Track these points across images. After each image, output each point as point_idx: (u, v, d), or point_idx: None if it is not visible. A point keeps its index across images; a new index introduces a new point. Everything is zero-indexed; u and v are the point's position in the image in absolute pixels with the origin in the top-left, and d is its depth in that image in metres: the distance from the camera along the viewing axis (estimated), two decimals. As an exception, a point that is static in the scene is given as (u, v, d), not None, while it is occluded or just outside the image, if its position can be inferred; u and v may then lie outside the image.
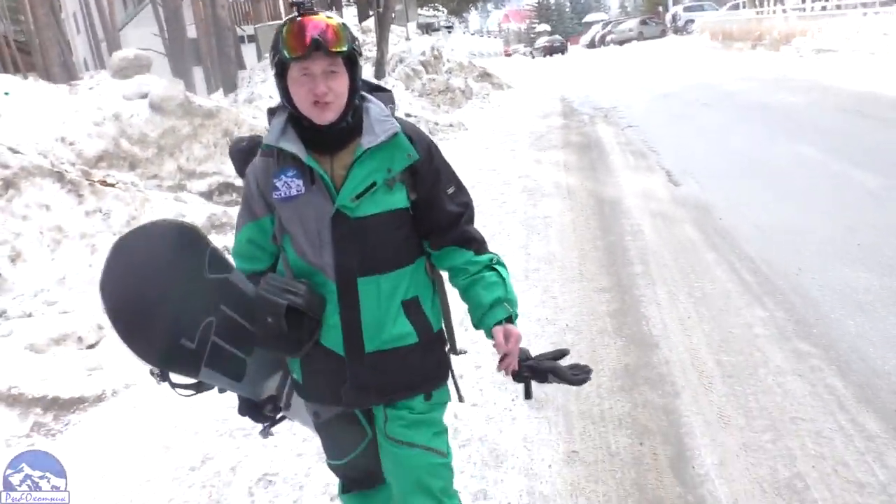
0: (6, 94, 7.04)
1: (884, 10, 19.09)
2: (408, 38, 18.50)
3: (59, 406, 3.69)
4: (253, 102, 10.14)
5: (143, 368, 1.73)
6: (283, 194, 1.74)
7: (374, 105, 1.80)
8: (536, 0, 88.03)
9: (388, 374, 1.81)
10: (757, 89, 13.87)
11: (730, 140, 9.18)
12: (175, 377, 1.74)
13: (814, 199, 6.04)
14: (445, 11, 46.76)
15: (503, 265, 1.89)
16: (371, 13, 24.45)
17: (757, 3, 32.87)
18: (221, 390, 1.89)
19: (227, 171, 8.31)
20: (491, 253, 1.89)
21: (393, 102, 1.87)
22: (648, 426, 3.03)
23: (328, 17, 1.67)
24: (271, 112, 1.85)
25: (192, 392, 1.77)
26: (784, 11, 27.18)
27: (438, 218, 1.83)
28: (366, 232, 1.74)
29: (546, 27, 69.35)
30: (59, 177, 5.64)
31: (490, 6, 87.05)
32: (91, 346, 4.47)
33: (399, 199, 1.77)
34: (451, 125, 12.62)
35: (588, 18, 76.26)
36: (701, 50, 28.25)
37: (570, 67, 28.87)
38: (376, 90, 1.89)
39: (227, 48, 11.71)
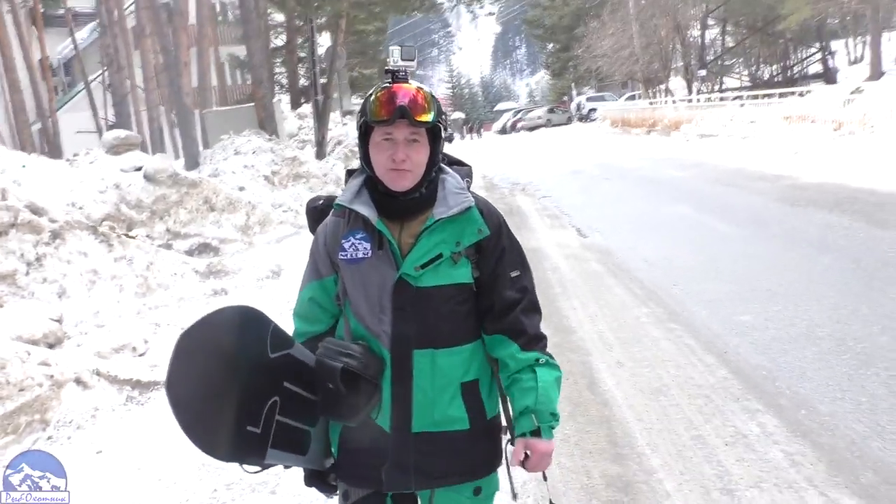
0: (24, 166, 8.22)
1: (750, 103, 22.31)
2: (345, 124, 20.27)
3: (142, 386, 4.93)
4: (218, 176, 11.52)
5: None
6: (349, 255, 1.74)
7: (451, 178, 1.80)
8: (451, 90, 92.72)
9: (433, 458, 1.74)
10: (650, 166, 16.25)
11: (626, 204, 11.19)
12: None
13: (686, 241, 7.94)
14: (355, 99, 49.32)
15: (551, 366, 1.78)
16: (303, 101, 26.38)
17: (650, 94, 36.76)
18: (287, 466, 1.84)
19: (207, 233, 9.66)
20: (538, 351, 1.77)
21: (470, 177, 1.87)
22: (573, 370, 4.56)
23: (418, 87, 1.69)
24: (349, 173, 1.87)
25: (258, 469, 1.71)
26: (674, 102, 30.77)
27: (495, 300, 1.77)
28: (427, 303, 1.71)
29: (460, 114, 73.12)
30: (94, 230, 6.90)
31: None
32: (141, 355, 5.69)
33: (463, 273, 1.74)
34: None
35: (499, 107, 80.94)
36: (603, 135, 31.32)
37: (487, 150, 31.36)
38: (455, 164, 1.90)
39: (192, 130, 13.12)
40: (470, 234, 1.73)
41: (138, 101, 23.90)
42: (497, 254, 1.76)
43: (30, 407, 4.23)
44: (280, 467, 1.82)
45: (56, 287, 6.36)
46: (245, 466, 1.69)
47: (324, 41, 26.41)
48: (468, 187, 1.80)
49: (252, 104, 17.28)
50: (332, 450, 1.83)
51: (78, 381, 4.59)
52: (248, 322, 1.70)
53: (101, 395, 4.67)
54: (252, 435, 1.63)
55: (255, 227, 10.40)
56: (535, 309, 1.81)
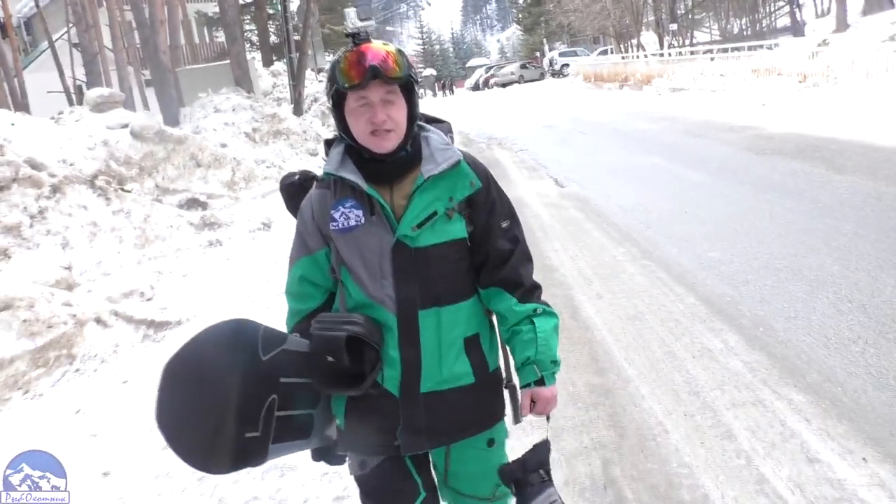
0: (12, 124, 8.36)
1: (720, 56, 22.71)
2: (320, 80, 20.30)
3: (156, 325, 5.28)
4: (200, 134, 11.68)
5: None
6: (340, 225, 1.71)
7: (434, 134, 1.79)
8: (422, 47, 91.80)
9: (442, 416, 1.76)
10: (622, 120, 16.65)
11: (601, 156, 11.60)
12: None
13: (659, 189, 8.38)
14: (329, 56, 48.92)
15: (548, 315, 1.81)
16: (274, 58, 26.23)
17: (622, 49, 37.00)
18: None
19: (194, 188, 9.89)
20: (535, 302, 1.80)
21: (451, 132, 1.86)
22: (556, 303, 4.97)
23: (385, 45, 1.67)
24: (328, 143, 1.83)
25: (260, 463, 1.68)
26: (646, 57, 31.07)
27: (489, 252, 1.77)
28: (427, 262, 1.70)
29: (432, 71, 72.73)
30: (91, 184, 7.14)
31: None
32: (149, 300, 6.02)
33: (458, 228, 1.73)
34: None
35: (471, 63, 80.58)
36: (576, 90, 31.59)
37: (461, 107, 31.49)
38: (433, 121, 1.88)
39: (169, 88, 13.18)
40: (462, 188, 1.73)
41: (106, 60, 23.60)
42: (488, 206, 1.77)
43: (57, 343, 4.56)
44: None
45: (59, 238, 6.62)
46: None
47: (293, -2, 26.17)
48: (452, 142, 1.80)
49: (226, 62, 17.31)
50: (338, 423, 1.81)
51: (98, 321, 4.93)
52: (236, 333, 1.65)
53: (119, 333, 5.02)
54: (252, 439, 1.60)
55: (240, 183, 10.65)
56: (527, 258, 1.83)
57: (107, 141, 8.92)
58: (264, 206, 9.59)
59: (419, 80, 1.78)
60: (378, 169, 1.71)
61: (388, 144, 1.67)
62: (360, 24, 1.63)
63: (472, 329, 1.78)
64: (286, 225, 8.59)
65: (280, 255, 7.19)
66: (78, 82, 23.00)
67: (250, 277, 6.74)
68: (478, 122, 21.13)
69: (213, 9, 30.55)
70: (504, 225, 1.79)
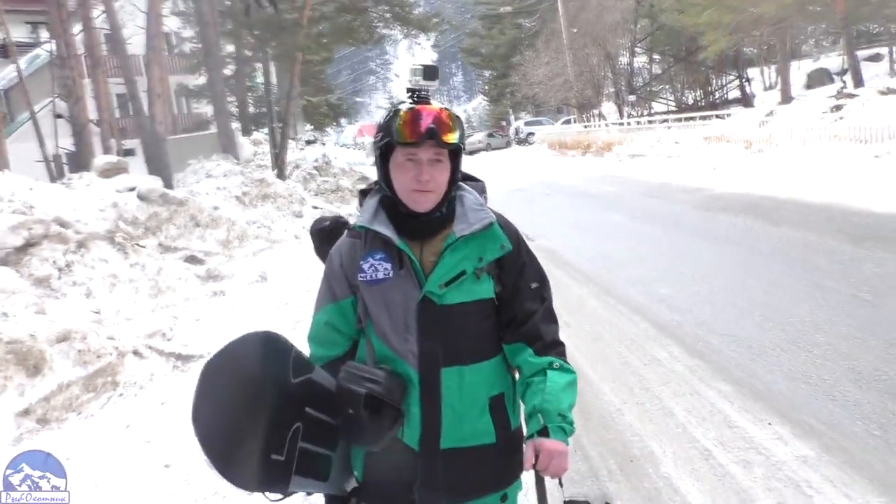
0: (31, 189, 9.13)
1: (675, 125, 24.37)
2: (301, 149, 21.37)
3: (183, 358, 6.01)
4: (196, 197, 12.52)
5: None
6: (369, 277, 1.72)
7: (469, 194, 1.80)
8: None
9: (461, 474, 1.74)
10: (586, 183, 17.89)
11: (566, 214, 12.69)
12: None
13: (619, 241, 9.40)
14: (311, 127, 50.42)
15: (564, 371, 1.77)
16: (253, 128, 27.38)
17: (585, 119, 38.95)
18: (309, 493, 1.85)
19: (193, 246, 10.68)
20: (553, 356, 1.77)
21: (485, 192, 1.87)
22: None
23: (442, 108, 1.68)
24: (363, 193, 1.84)
25: (280, 497, 1.66)
26: (606, 126, 32.87)
27: (516, 312, 1.78)
28: (452, 320, 1.70)
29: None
30: (111, 240, 7.93)
31: (344, 122, 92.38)
32: (169, 340, 6.75)
33: (486, 289, 1.74)
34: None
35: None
36: (542, 157, 33.12)
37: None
38: (468, 179, 1.88)
39: (165, 156, 14.08)
40: (493, 250, 1.73)
41: (90, 131, 24.51)
42: (518, 268, 1.78)
43: (104, 371, 5.29)
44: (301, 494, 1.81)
45: (84, 289, 7.37)
46: (268, 494, 1.63)
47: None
48: (486, 202, 1.82)
49: (209, 132, 18.33)
50: (356, 474, 1.82)
51: (135, 353, 5.67)
52: (270, 348, 1.67)
53: (153, 364, 5.75)
54: (276, 463, 1.60)
55: (234, 242, 11.46)
56: (552, 317, 1.82)
57: (116, 203, 9.71)
58: (257, 263, 10.41)
59: (465, 147, 1.78)
60: (411, 224, 1.72)
61: (427, 204, 1.70)
62: (423, 83, 1.76)
63: (497, 389, 1.78)
64: (281, 278, 9.43)
65: (279, 302, 8.01)
66: (62, 151, 23.82)
67: (256, 321, 7.49)
68: (450, 187, 22.25)
69: (193, 81, 31.81)
70: (533, 286, 1.80)
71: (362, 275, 1.73)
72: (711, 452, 3.48)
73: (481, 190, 1.86)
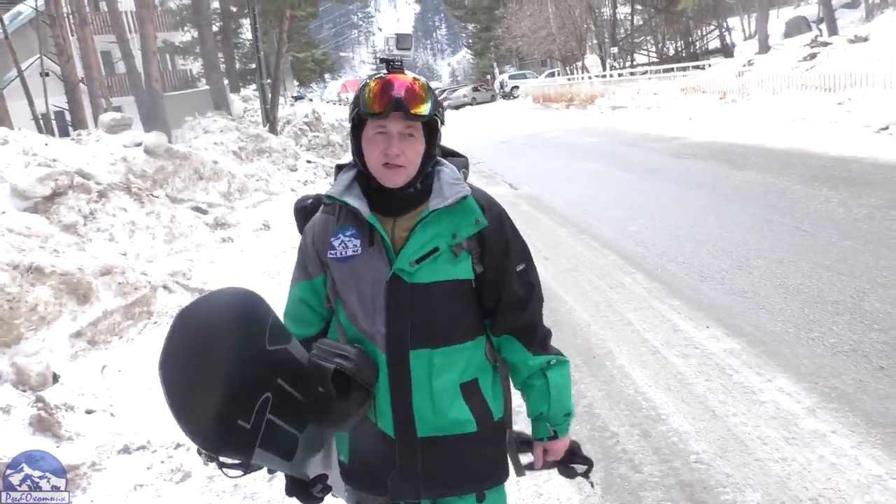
0: (46, 144, 9.71)
1: (654, 77, 24.95)
2: (291, 105, 21.82)
3: (205, 292, 6.74)
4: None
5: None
6: (338, 254, 1.66)
7: (447, 168, 1.72)
8: (374, 72, 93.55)
9: (441, 465, 1.68)
10: (568, 135, 18.57)
11: (549, 164, 13.41)
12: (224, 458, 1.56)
13: (595, 187, 10.17)
14: (296, 83, 50.47)
15: (560, 364, 1.75)
16: (240, 84, 27.67)
17: (568, 71, 39.34)
18: (270, 471, 1.76)
19: (198, 198, 11.33)
20: (548, 354, 1.74)
21: (467, 167, 1.79)
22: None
23: (414, 78, 1.61)
24: (339, 168, 1.78)
25: (240, 473, 1.58)
26: (590, 78, 33.34)
27: (501, 297, 1.70)
28: (423, 300, 1.62)
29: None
30: (128, 190, 8.58)
31: (328, 77, 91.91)
32: (189, 279, 7.47)
33: (463, 269, 1.65)
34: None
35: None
36: (526, 110, 33.63)
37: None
38: (450, 155, 1.81)
39: (162, 113, 14.57)
40: (467, 226, 1.65)
41: (80, 89, 24.78)
42: (501, 247, 1.69)
43: (140, 301, 6.03)
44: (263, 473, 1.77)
45: (107, 234, 8.05)
46: (225, 469, 1.56)
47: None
48: (465, 178, 1.74)
49: (198, 88, 18.74)
50: (342, 458, 1.78)
51: (165, 287, 6.40)
52: (249, 308, 1.60)
53: (180, 297, 6.49)
54: (241, 429, 1.53)
55: (235, 194, 12.12)
56: (540, 305, 1.78)
57: (125, 157, 10.31)
58: (259, 214, 11.10)
59: (443, 118, 1.70)
60: (384, 200, 1.66)
61: (398, 179, 1.62)
62: (397, 52, 1.74)
63: (470, 374, 1.69)
64: (282, 226, 10.14)
65: (285, 247, 8.73)
66: (55, 109, 24.09)
67: (264, 263, 8.23)
68: (437, 140, 22.85)
69: (179, 38, 31.87)
70: (519, 269, 1.72)
71: (332, 251, 1.67)
72: (658, 349, 4.30)
73: (462, 165, 1.78)
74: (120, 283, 5.92)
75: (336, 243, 1.67)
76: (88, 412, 4.22)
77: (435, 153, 1.70)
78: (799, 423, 3.26)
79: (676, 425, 3.41)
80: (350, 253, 1.65)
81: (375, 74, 1.64)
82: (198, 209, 11.00)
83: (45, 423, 3.71)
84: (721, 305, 4.89)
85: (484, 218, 1.67)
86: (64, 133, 24.48)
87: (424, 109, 1.60)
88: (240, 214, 10.86)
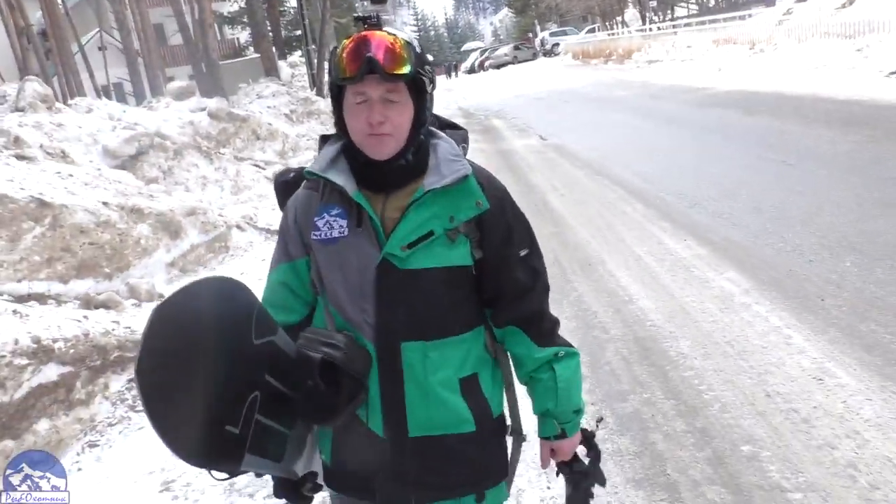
0: (124, 111, 10.99)
1: (687, 30, 25.24)
2: (335, 69, 22.85)
3: (272, 232, 7.91)
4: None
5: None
6: (322, 235, 1.50)
7: (444, 142, 1.55)
8: (417, 33, 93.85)
9: (434, 467, 1.54)
10: (602, 90, 19.25)
11: (578, 117, 14.26)
12: None
13: (618, 136, 11.04)
14: (339, 47, 51.31)
15: (569, 356, 1.60)
16: (286, 51, 28.79)
17: (608, 27, 39.41)
18: (259, 474, 1.61)
19: (256, 156, 12.54)
20: (556, 345, 1.59)
21: (466, 142, 1.62)
22: (534, 201, 7.62)
23: (392, 35, 1.42)
24: (324, 139, 1.62)
25: (227, 476, 1.40)
26: (630, 33, 33.51)
27: (503, 285, 1.55)
28: (416, 288, 1.47)
29: (429, 57, 74.67)
30: (199, 149, 9.80)
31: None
32: (256, 223, 8.66)
33: (461, 254, 1.50)
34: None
35: (466, 47, 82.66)
36: (565, 67, 34.02)
37: (459, 87, 34.01)
38: (448, 127, 1.65)
39: (220, 80, 15.81)
40: (466, 208, 1.49)
41: (138, 61, 26.32)
42: (502, 231, 1.54)
43: (219, 238, 7.23)
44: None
45: (183, 187, 9.29)
46: (213, 473, 1.38)
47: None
48: (465, 154, 1.56)
49: (248, 57, 19.87)
50: (323, 457, 1.63)
51: (238, 227, 7.60)
52: (232, 299, 1.42)
53: (251, 235, 7.70)
54: (230, 435, 1.36)
55: (289, 153, 13.29)
56: (546, 292, 1.62)
57: (192, 121, 11.54)
58: (312, 169, 12.26)
59: (433, 78, 1.49)
60: (373, 174, 1.49)
61: (384, 150, 1.45)
62: (371, 7, 1.80)
63: (469, 369, 1.55)
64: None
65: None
66: (118, 80, 25.75)
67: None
68: (476, 99, 23.69)
69: (227, 8, 33.14)
70: (522, 254, 1.57)
71: (316, 233, 1.51)
72: (641, 257, 5.30)
73: (462, 139, 1.62)
74: (203, 223, 7.13)
75: (320, 223, 1.51)
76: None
77: (425, 118, 1.52)
78: (734, 299, 4.26)
79: (642, 304, 4.43)
80: (336, 234, 1.49)
81: (351, 36, 1.46)
82: (257, 166, 12.23)
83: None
84: (700, 224, 5.84)
85: (486, 200, 1.52)
86: (122, 103, 26.21)
87: (404, 68, 1.40)
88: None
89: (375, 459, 1.53)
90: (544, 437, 1.63)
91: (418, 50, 1.44)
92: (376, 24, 1.45)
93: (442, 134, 1.59)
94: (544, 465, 1.66)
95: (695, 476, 2.73)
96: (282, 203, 1.69)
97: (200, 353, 1.33)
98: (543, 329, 1.59)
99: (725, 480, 2.67)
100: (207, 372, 1.33)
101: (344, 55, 1.40)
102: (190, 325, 1.33)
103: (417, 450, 1.52)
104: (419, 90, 1.46)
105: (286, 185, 1.70)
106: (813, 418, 2.96)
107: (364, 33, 1.41)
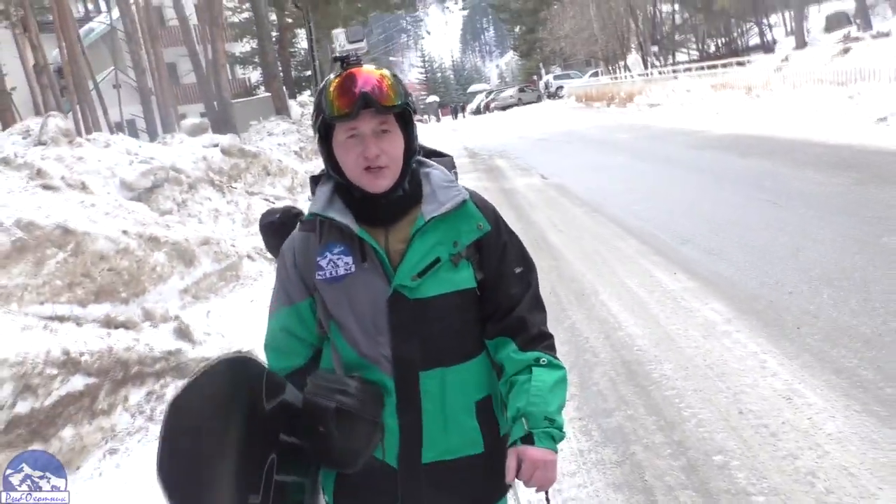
0: (139, 146, 11.41)
1: (686, 75, 25.88)
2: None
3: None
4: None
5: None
6: (328, 274, 1.51)
7: (436, 170, 1.60)
8: (424, 75, 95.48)
9: (447, 489, 1.56)
10: (602, 132, 19.74)
11: (580, 158, 14.67)
12: None
13: (616, 176, 11.41)
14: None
15: (552, 367, 1.54)
16: (296, 90, 29.50)
17: (611, 71, 40.24)
18: None
19: (266, 192, 12.93)
20: (539, 351, 1.55)
21: (454, 167, 1.68)
22: (533, 236, 7.93)
23: (378, 70, 1.48)
24: (314, 180, 1.65)
25: None
26: (632, 77, 34.25)
27: (500, 300, 1.57)
28: (429, 316, 1.50)
29: (435, 98, 76.21)
30: (212, 183, 10.18)
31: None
32: (266, 253, 8.97)
33: (466, 277, 1.53)
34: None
35: (472, 89, 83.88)
36: (568, 110, 34.69)
37: (464, 128, 34.68)
38: (434, 155, 1.70)
39: (231, 118, 16.32)
40: (468, 232, 1.54)
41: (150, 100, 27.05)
42: (499, 251, 1.58)
43: (231, 267, 7.55)
44: None
45: (196, 219, 9.64)
46: None
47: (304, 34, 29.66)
48: (455, 179, 1.61)
49: (260, 95, 20.48)
50: (326, 497, 1.64)
51: (249, 256, 7.92)
52: (241, 375, 1.48)
53: (261, 265, 8.01)
54: None
55: (298, 188, 13.70)
56: (538, 306, 1.62)
57: (205, 157, 11.96)
58: (319, 204, 12.64)
59: (417, 109, 1.58)
60: (371, 209, 1.52)
61: (383, 182, 1.48)
62: (349, 46, 1.84)
63: (483, 391, 1.58)
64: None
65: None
66: (131, 117, 26.42)
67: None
68: (481, 140, 24.22)
69: (239, 49, 34.04)
70: (518, 271, 1.60)
71: (320, 272, 1.52)
72: (632, 288, 5.58)
73: (450, 165, 1.67)
74: (216, 252, 7.45)
75: (324, 263, 1.52)
76: (206, 334, 5.71)
77: (415, 146, 1.57)
78: (716, 328, 4.53)
79: (630, 331, 4.71)
80: (342, 272, 1.51)
81: (333, 75, 1.50)
82: (267, 200, 12.60)
83: (183, 332, 5.19)
84: (691, 259, 6.13)
85: (486, 222, 1.57)
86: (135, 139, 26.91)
87: (396, 99, 1.46)
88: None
89: (383, 490, 1.55)
90: (511, 442, 1.49)
91: (402, 82, 1.53)
92: (357, 61, 1.50)
93: (431, 162, 1.64)
94: (508, 476, 1.47)
95: (670, 482, 2.99)
96: (268, 244, 1.77)
97: (218, 438, 1.38)
98: (529, 336, 1.56)
99: (697, 486, 2.93)
100: (226, 453, 1.38)
101: (333, 93, 1.45)
102: (207, 418, 1.38)
103: (429, 476, 1.55)
104: (406, 121, 1.53)
105: (272, 226, 1.77)
106: (780, 433, 3.21)
107: (350, 71, 1.46)
